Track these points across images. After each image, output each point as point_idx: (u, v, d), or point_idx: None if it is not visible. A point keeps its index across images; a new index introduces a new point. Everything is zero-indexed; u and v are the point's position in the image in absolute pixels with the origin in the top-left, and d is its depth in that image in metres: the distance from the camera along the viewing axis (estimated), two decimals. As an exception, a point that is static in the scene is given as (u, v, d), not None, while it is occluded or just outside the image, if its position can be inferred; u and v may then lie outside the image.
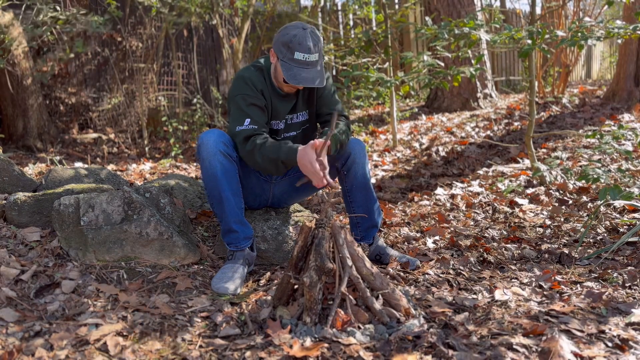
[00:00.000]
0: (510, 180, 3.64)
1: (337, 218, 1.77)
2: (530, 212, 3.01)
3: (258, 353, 1.52)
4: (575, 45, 3.01)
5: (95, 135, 6.40)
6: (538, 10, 5.62)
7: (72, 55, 3.20)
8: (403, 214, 3.14)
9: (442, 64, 3.98)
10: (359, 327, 1.64)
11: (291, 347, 1.53)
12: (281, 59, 2.08)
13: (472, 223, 2.89)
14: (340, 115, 2.34)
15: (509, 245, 2.48)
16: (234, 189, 2.14)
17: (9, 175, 2.56)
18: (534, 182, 3.53)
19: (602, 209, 2.81)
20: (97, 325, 1.65)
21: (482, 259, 2.34)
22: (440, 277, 2.12)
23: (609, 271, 2.10)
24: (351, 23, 8.20)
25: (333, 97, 2.37)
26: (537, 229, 2.74)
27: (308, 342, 1.57)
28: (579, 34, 3.08)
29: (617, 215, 2.78)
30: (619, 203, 2.73)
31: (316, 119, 2.40)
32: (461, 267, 2.23)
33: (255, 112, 2.14)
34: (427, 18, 3.69)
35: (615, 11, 9.43)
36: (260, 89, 2.18)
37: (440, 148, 4.81)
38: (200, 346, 1.59)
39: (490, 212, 3.06)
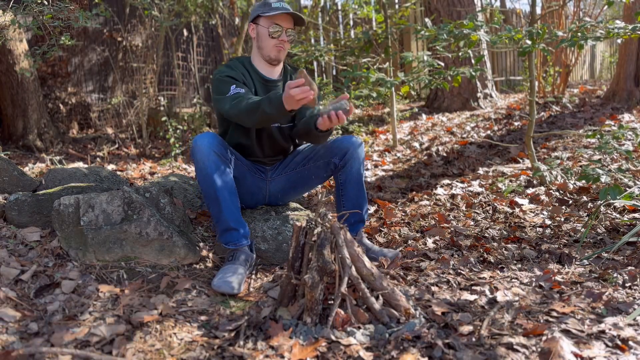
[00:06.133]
0: (511, 180, 3.64)
1: (334, 217, 1.78)
2: (530, 212, 3.01)
3: (258, 353, 1.52)
4: (574, 46, 3.01)
5: (95, 135, 6.40)
6: (538, 10, 5.62)
7: (60, 53, 3.18)
8: (403, 214, 3.14)
9: (442, 64, 3.97)
10: (359, 327, 1.64)
11: (291, 347, 1.54)
12: (261, 14, 2.28)
13: (472, 223, 2.89)
14: None
15: (509, 245, 2.48)
16: (229, 188, 2.15)
17: (9, 175, 2.56)
18: (534, 182, 3.53)
19: (602, 209, 2.80)
20: (97, 325, 1.65)
21: (482, 259, 2.34)
22: (441, 277, 2.12)
23: (609, 271, 2.10)
24: (351, 23, 8.19)
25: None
26: (537, 229, 2.74)
27: (308, 342, 1.57)
28: (579, 34, 3.08)
29: (617, 215, 2.78)
30: (619, 203, 2.73)
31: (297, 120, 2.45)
32: (461, 267, 2.23)
33: (238, 84, 2.25)
34: (426, 19, 3.69)
35: (615, 11, 9.43)
36: (241, 72, 2.31)
37: (440, 148, 4.81)
38: (201, 346, 1.59)
39: (490, 212, 3.06)
